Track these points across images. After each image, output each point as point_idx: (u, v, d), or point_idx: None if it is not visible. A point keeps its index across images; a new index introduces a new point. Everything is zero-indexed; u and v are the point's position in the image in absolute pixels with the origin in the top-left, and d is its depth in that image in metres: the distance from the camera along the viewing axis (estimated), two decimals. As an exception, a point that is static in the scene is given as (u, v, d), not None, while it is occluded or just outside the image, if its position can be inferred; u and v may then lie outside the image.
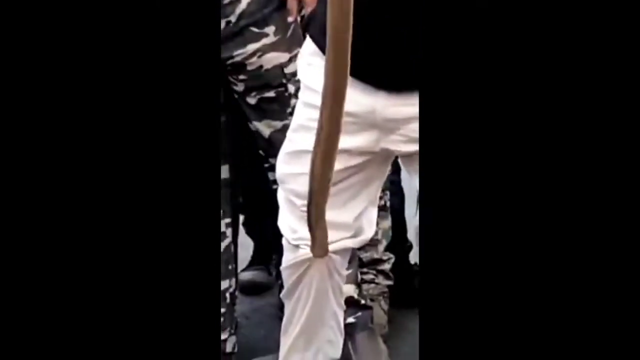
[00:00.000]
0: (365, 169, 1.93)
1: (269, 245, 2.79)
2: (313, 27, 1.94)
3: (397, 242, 2.75)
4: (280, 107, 2.33)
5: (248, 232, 2.97)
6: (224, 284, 2.32)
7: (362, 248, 2.53)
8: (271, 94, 2.32)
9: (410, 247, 2.83)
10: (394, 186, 2.74)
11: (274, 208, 2.04)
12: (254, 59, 2.29)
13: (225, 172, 2.35)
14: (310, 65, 1.90)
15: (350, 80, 1.57)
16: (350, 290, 2.43)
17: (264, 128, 2.35)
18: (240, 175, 2.68)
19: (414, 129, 1.85)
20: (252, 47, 2.28)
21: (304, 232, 1.86)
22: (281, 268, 2.04)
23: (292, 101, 2.26)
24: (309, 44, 1.93)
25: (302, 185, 1.81)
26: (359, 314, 2.46)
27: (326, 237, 1.83)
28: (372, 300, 2.58)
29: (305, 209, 1.79)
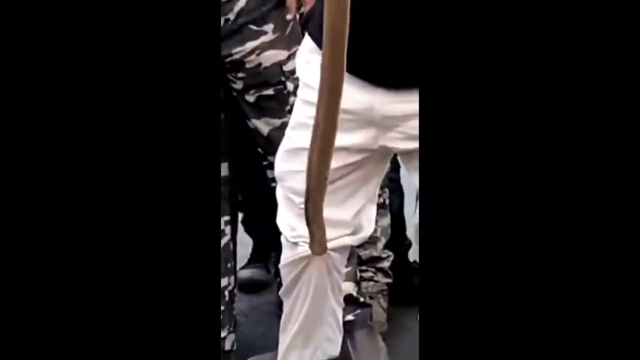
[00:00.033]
0: (364, 167, 1.93)
1: (268, 243, 2.79)
2: (312, 25, 1.94)
3: (396, 239, 2.75)
4: (279, 104, 2.33)
5: (247, 230, 2.98)
6: (223, 282, 2.32)
7: (361, 246, 2.53)
8: (270, 91, 2.32)
9: (410, 244, 2.83)
10: (392, 184, 2.74)
11: (273, 206, 2.04)
12: (253, 56, 2.29)
13: (224, 169, 2.35)
14: (308, 63, 1.90)
15: (348, 77, 1.57)
16: (349, 287, 2.43)
17: (263, 126, 2.35)
18: (239, 173, 2.68)
19: (412, 126, 1.85)
20: (250, 44, 2.28)
21: (303, 229, 1.86)
22: (280, 266, 2.04)
23: (291, 99, 2.26)
24: (307, 42, 1.93)
25: (301, 182, 1.80)
26: (358, 311, 2.46)
27: (324, 234, 1.84)
28: (371, 297, 2.58)
29: (303, 206, 1.79)
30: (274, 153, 2.07)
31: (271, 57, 2.29)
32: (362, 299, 2.49)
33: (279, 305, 2.19)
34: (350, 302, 2.42)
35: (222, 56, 2.23)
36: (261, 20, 2.27)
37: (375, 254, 2.64)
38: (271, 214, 2.06)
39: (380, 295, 2.62)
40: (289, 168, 1.94)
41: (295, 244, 1.96)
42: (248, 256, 3.01)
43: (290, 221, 1.97)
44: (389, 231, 2.68)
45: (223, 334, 2.29)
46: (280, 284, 2.09)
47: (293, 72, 2.13)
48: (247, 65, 2.29)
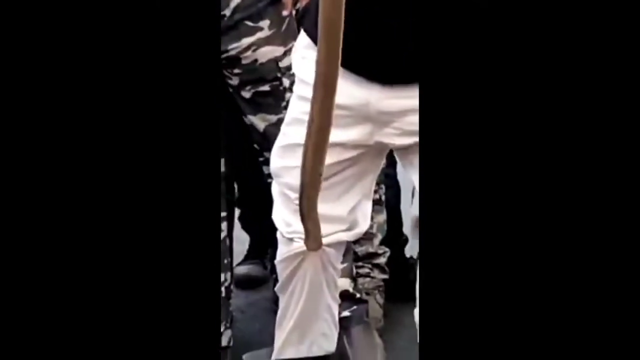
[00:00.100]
0: (359, 162, 1.93)
1: (265, 240, 2.79)
2: (307, 21, 1.94)
3: (393, 235, 2.75)
4: (275, 100, 2.33)
5: (244, 227, 2.97)
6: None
7: (357, 242, 2.53)
8: (266, 87, 2.32)
9: (406, 240, 2.83)
10: (389, 180, 2.74)
11: (270, 202, 2.04)
12: (249, 52, 2.29)
13: (220, 166, 2.35)
14: (304, 59, 1.90)
15: (343, 72, 1.58)
16: (345, 284, 2.43)
17: (259, 122, 2.35)
18: (236, 169, 2.68)
19: (408, 121, 1.85)
20: (246, 41, 2.27)
21: (298, 225, 1.86)
22: (275, 261, 2.04)
23: (287, 95, 2.26)
24: (303, 38, 1.93)
25: (297, 178, 1.81)
26: (355, 307, 2.46)
27: (319, 230, 1.84)
28: (367, 294, 2.58)
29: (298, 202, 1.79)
30: (270, 149, 2.07)
31: (267, 53, 2.29)
32: (358, 295, 2.50)
33: (275, 301, 2.19)
34: (346, 298, 2.42)
35: (218, 52, 2.24)
36: (257, 17, 2.27)
37: (371, 250, 2.64)
38: (268, 210, 2.06)
39: (376, 292, 2.62)
40: (285, 164, 1.94)
41: (291, 239, 1.96)
42: (245, 252, 3.01)
43: (285, 217, 1.97)
44: (385, 227, 2.68)
45: (219, 330, 2.30)
46: (276, 280, 2.09)
47: (289, 68, 2.13)
48: (243, 61, 2.29)
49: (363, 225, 2.01)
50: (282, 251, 1.99)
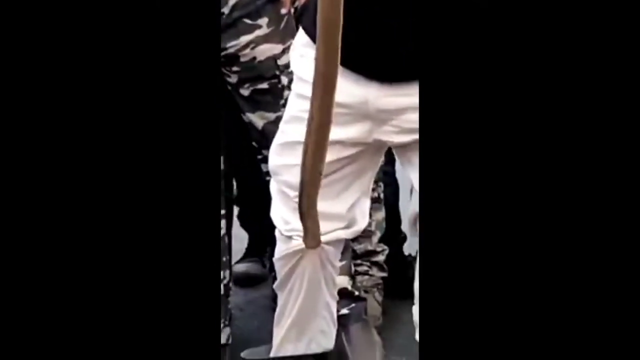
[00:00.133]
0: (358, 160, 1.93)
1: (264, 238, 2.79)
2: (306, 19, 1.94)
3: (391, 233, 2.75)
4: (274, 98, 2.33)
5: (243, 225, 2.97)
6: (218, 276, 2.32)
7: (356, 240, 2.53)
8: (264, 85, 2.32)
9: (404, 238, 2.83)
10: (388, 177, 2.75)
11: (268, 200, 2.05)
12: (247, 50, 2.29)
13: (219, 164, 2.35)
14: (302, 57, 1.90)
15: (342, 71, 1.58)
16: (344, 281, 2.43)
17: (257, 120, 2.35)
18: (235, 167, 2.68)
19: (406, 119, 1.85)
20: (245, 38, 2.28)
21: (297, 223, 1.86)
22: (274, 259, 2.04)
23: (285, 93, 2.26)
24: (301, 36, 1.93)
25: (295, 176, 1.81)
26: (353, 305, 2.47)
27: (318, 228, 1.84)
28: (366, 291, 2.58)
29: (298, 200, 1.80)
30: (268, 147, 2.07)
31: (266, 51, 2.29)
32: (357, 293, 2.50)
33: (274, 298, 2.19)
34: (345, 296, 2.42)
35: (216, 50, 2.24)
36: (255, 14, 2.27)
37: (370, 247, 2.64)
38: (266, 208, 2.06)
39: (375, 289, 2.62)
40: (283, 162, 1.95)
41: (290, 237, 1.96)
42: (244, 250, 3.01)
43: (284, 215, 1.97)
44: (384, 225, 2.68)
45: (218, 328, 2.30)
46: (275, 278, 2.09)
47: (287, 66, 2.13)
48: (242, 59, 2.29)
49: (361, 223, 2.01)
50: (281, 249, 2.00)
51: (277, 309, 2.05)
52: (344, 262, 2.33)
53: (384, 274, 2.68)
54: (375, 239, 2.65)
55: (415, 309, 2.25)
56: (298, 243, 1.92)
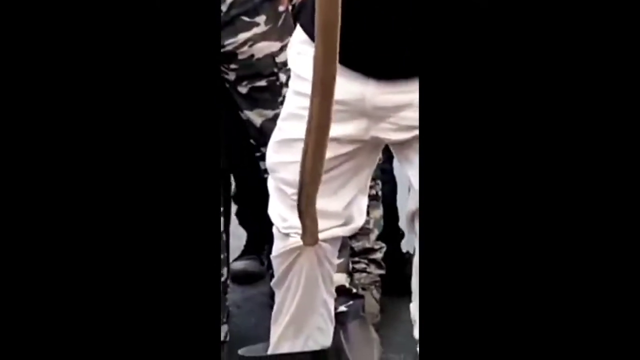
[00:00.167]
0: (355, 157, 1.93)
1: (262, 235, 2.79)
2: (303, 16, 1.94)
3: (389, 230, 2.76)
4: (272, 96, 2.33)
5: (241, 222, 2.98)
6: (216, 273, 2.32)
7: (354, 237, 2.53)
8: (262, 83, 2.33)
9: (402, 235, 2.84)
10: (385, 175, 2.75)
11: (267, 198, 2.05)
12: (245, 48, 2.29)
13: (217, 161, 2.35)
14: (300, 54, 1.90)
15: (339, 68, 1.58)
16: (341, 279, 2.43)
17: (255, 117, 2.36)
18: (233, 165, 2.68)
19: (403, 117, 1.85)
20: (243, 36, 2.28)
21: (295, 220, 1.86)
22: (271, 256, 2.04)
23: (284, 90, 2.26)
24: (299, 33, 1.93)
25: (293, 173, 1.81)
26: (351, 302, 2.46)
27: (316, 226, 1.84)
28: (363, 289, 2.59)
29: (295, 197, 1.80)
30: (266, 144, 2.07)
31: (264, 48, 2.30)
32: (354, 290, 2.50)
33: (272, 296, 2.19)
34: (342, 293, 2.42)
35: (214, 48, 2.24)
36: (253, 12, 2.28)
37: (368, 245, 2.64)
38: (265, 206, 2.06)
39: (373, 287, 2.63)
40: (281, 159, 1.95)
41: (287, 234, 1.96)
42: (242, 248, 3.01)
43: (281, 212, 1.97)
44: (382, 223, 2.69)
45: (216, 325, 2.30)
46: (272, 276, 2.09)
47: (285, 63, 2.13)
48: (240, 57, 2.29)
49: (359, 221, 2.01)
50: (278, 246, 2.00)
51: (275, 307, 2.05)
52: (341, 260, 2.33)
53: (382, 272, 2.68)
54: (373, 236, 2.66)
55: (413, 306, 2.25)
56: (295, 240, 1.92)
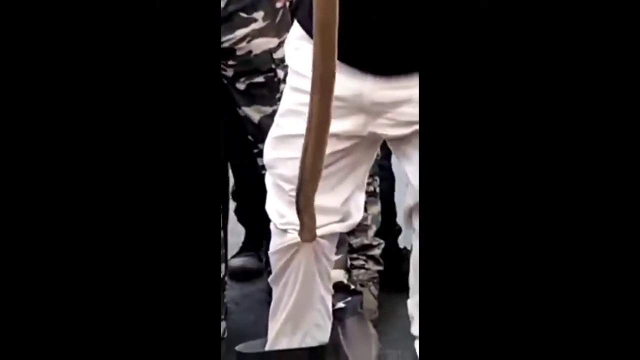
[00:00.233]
0: (353, 153, 1.93)
1: (260, 232, 2.79)
2: (301, 12, 1.94)
3: (387, 226, 2.75)
4: (270, 92, 2.33)
5: (239, 219, 2.98)
6: (214, 270, 2.32)
7: (352, 233, 2.53)
8: (260, 79, 2.32)
9: (399, 230, 2.83)
10: (383, 171, 2.74)
11: (265, 194, 2.04)
12: (243, 44, 2.29)
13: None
14: (297, 50, 1.90)
15: (337, 64, 1.58)
16: (339, 275, 2.43)
17: (253, 113, 2.36)
18: (231, 161, 2.68)
19: (401, 112, 1.85)
20: (240, 32, 2.28)
21: (292, 216, 1.86)
22: (269, 253, 2.04)
23: (281, 86, 2.26)
24: (296, 29, 1.93)
25: (290, 169, 1.81)
26: (349, 299, 2.47)
27: (314, 222, 1.84)
28: (362, 285, 2.58)
29: (293, 193, 1.79)
30: (264, 141, 2.07)
31: (261, 44, 2.30)
32: (352, 287, 2.50)
33: (270, 293, 2.19)
34: (341, 289, 2.42)
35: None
36: (251, 8, 2.28)
37: (366, 241, 2.64)
38: (263, 202, 2.06)
39: (371, 283, 2.63)
40: (278, 155, 1.94)
41: (285, 231, 1.96)
42: (240, 244, 3.01)
43: (279, 208, 1.97)
44: (380, 219, 2.68)
45: (214, 322, 2.30)
46: (270, 272, 2.09)
47: (283, 59, 2.13)
48: (238, 53, 2.29)
49: (356, 217, 2.01)
50: (276, 242, 1.99)
51: (272, 303, 2.05)
52: (340, 256, 2.33)
53: (380, 268, 2.68)
54: (371, 232, 2.65)
55: (411, 302, 2.25)
56: (293, 237, 1.92)
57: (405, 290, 2.33)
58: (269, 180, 2.01)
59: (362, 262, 2.64)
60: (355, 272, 2.59)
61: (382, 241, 2.69)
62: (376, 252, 2.67)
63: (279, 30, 2.30)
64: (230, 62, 2.30)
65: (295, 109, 1.87)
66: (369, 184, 2.41)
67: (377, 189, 2.66)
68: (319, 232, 1.90)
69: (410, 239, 2.40)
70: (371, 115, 1.87)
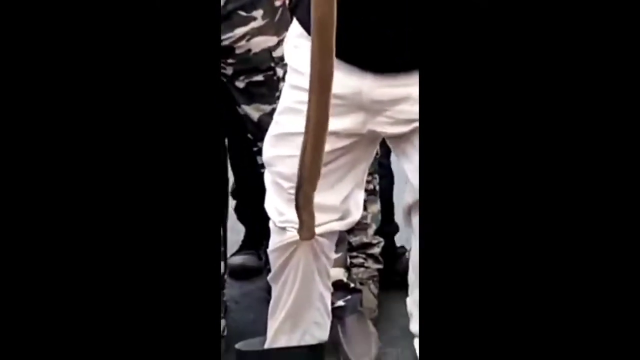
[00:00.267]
0: (352, 151, 1.93)
1: (260, 230, 2.79)
2: (300, 10, 1.94)
3: (385, 224, 2.75)
4: (269, 90, 2.33)
5: (239, 217, 2.98)
6: (213, 268, 2.32)
7: (351, 232, 2.53)
8: (259, 77, 2.32)
9: (397, 228, 2.83)
10: (383, 169, 2.74)
11: (265, 192, 2.05)
12: (242, 42, 2.29)
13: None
14: (296, 48, 1.91)
15: (336, 62, 1.58)
16: (339, 273, 2.43)
17: (253, 112, 2.36)
18: (231, 160, 2.68)
19: (400, 110, 1.85)
20: (240, 30, 2.28)
21: (291, 214, 1.86)
22: (268, 251, 2.04)
23: (281, 85, 2.26)
24: (295, 27, 1.94)
25: (289, 167, 1.81)
26: (349, 297, 2.47)
27: (313, 220, 1.84)
28: (361, 283, 2.58)
29: (292, 191, 1.80)
30: (264, 139, 2.07)
31: (260, 43, 2.30)
32: (352, 285, 2.50)
33: (270, 291, 2.19)
34: (340, 288, 2.43)
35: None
36: (250, 6, 2.28)
37: (365, 240, 2.64)
38: (263, 200, 2.06)
39: (370, 281, 2.63)
40: (277, 153, 1.95)
41: (284, 229, 1.96)
42: (240, 242, 3.01)
43: (278, 206, 1.97)
44: (379, 217, 2.68)
45: (214, 320, 2.30)
46: (270, 271, 2.10)
47: (282, 58, 2.13)
48: (237, 51, 2.29)
49: (355, 215, 2.01)
50: (275, 240, 2.00)
51: (272, 301, 2.05)
52: (339, 254, 2.33)
53: (380, 266, 2.68)
54: (370, 231, 2.65)
55: (410, 300, 2.26)
56: (292, 235, 1.92)
57: (404, 288, 2.33)
58: (267, 177, 2.01)
59: (361, 261, 2.64)
60: (354, 270, 2.59)
61: (381, 239, 2.69)
62: (376, 250, 2.67)
63: (278, 28, 2.30)
64: (230, 61, 2.30)
65: (294, 106, 1.87)
66: (368, 182, 2.41)
67: (377, 187, 2.66)
68: (318, 230, 1.90)
69: (408, 237, 2.41)
70: (370, 113, 1.87)
